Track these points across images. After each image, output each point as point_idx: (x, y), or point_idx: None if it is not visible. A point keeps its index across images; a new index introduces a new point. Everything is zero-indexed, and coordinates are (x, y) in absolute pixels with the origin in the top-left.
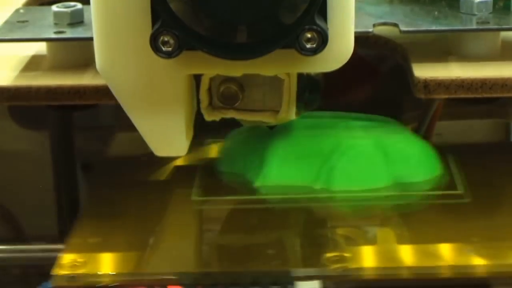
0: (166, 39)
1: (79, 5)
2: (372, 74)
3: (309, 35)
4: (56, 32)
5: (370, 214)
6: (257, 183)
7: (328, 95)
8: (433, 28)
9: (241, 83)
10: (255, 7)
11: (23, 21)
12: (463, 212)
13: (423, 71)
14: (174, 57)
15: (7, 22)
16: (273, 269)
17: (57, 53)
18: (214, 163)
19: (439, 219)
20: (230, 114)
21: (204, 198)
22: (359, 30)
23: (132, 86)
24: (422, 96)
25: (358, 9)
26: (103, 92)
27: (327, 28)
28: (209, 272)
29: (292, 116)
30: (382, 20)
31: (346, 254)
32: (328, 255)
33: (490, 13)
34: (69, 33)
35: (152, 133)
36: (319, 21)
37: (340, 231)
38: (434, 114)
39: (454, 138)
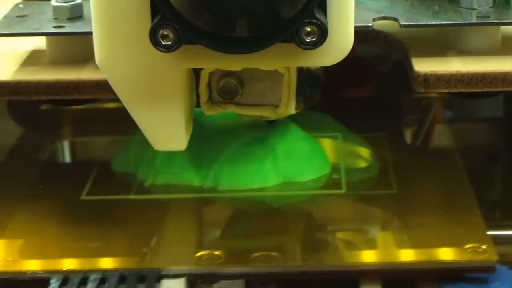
0: (165, 33)
1: (78, 0)
2: (372, 74)
3: (308, 29)
4: (55, 27)
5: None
6: (148, 182)
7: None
8: (433, 22)
9: (240, 77)
10: (254, 0)
11: (22, 16)
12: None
13: (423, 66)
14: (174, 51)
15: (6, 17)
16: (141, 267)
17: (57, 47)
18: (110, 161)
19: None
20: (229, 109)
21: (94, 198)
22: (358, 24)
23: (131, 80)
24: (422, 90)
25: (357, 3)
26: (103, 86)
27: (327, 22)
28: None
29: (292, 110)
30: (382, 15)
31: (216, 253)
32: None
33: (490, 7)
34: (69, 28)
35: (151, 127)
36: (318, 15)
37: (216, 230)
38: (433, 118)
39: None
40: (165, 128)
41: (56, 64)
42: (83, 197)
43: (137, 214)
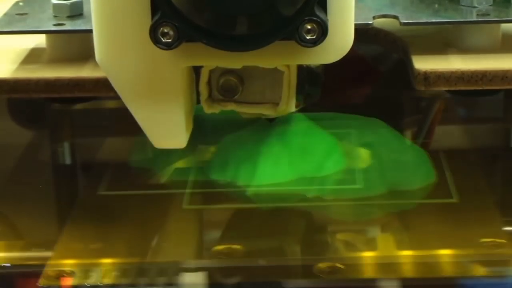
0: (165, 30)
1: None
2: (372, 74)
3: (309, 27)
4: (55, 25)
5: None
6: (250, 191)
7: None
8: (433, 20)
9: (240, 75)
10: None
11: (22, 14)
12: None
13: (423, 63)
14: (174, 48)
15: (6, 15)
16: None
17: (57, 45)
18: (206, 169)
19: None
20: (229, 107)
21: (196, 207)
22: (359, 22)
23: (131, 78)
24: (422, 88)
25: (358, 1)
26: (103, 84)
27: (327, 20)
28: None
29: (292, 108)
30: (382, 13)
31: (234, 246)
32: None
33: (490, 5)
34: (69, 26)
35: (151, 125)
36: (319, 13)
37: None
38: (433, 118)
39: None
40: (165, 126)
41: (56, 62)
42: (100, 192)
43: (152, 209)
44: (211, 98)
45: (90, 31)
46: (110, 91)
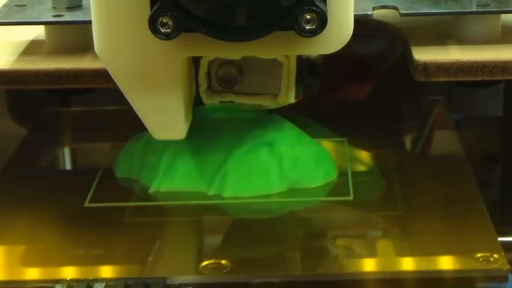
0: (164, 20)
1: None
2: (371, 73)
3: (308, 17)
4: (54, 16)
5: (259, 220)
6: (152, 189)
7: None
8: (433, 11)
9: (240, 66)
10: None
11: (21, 5)
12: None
13: (422, 54)
14: (173, 38)
15: (5, 6)
16: (149, 276)
17: (56, 37)
18: (113, 167)
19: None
20: (229, 98)
21: (97, 205)
22: (358, 13)
23: (130, 69)
24: (422, 79)
25: None
26: (102, 75)
27: (327, 10)
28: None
29: (292, 99)
30: (382, 4)
31: (223, 262)
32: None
33: None
34: (68, 17)
35: (150, 116)
36: (318, 3)
37: (224, 239)
38: (433, 124)
39: None
40: (164, 117)
41: (55, 54)
42: (87, 204)
43: (140, 221)
44: (210, 89)
45: (89, 22)
46: (109, 82)
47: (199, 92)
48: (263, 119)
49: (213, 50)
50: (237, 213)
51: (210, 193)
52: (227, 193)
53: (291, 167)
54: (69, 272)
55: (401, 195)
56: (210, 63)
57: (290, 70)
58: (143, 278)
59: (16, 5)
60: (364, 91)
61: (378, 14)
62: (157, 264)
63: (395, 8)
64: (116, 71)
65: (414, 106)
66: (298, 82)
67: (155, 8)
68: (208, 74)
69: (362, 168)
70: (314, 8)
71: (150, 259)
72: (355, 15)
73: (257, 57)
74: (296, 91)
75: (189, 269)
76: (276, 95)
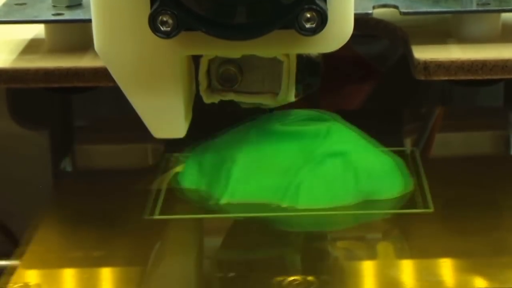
0: (164, 19)
1: None
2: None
3: (308, 15)
4: (54, 14)
5: (337, 233)
6: (223, 201)
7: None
8: (433, 10)
9: (240, 65)
10: None
11: (21, 4)
12: (430, 230)
13: (423, 53)
14: (173, 37)
15: (5, 5)
16: None
17: (56, 35)
18: (178, 179)
19: (406, 237)
20: (229, 97)
21: (166, 217)
22: (358, 11)
23: (130, 67)
24: (422, 77)
25: None
26: (102, 74)
27: (327, 8)
28: None
29: (292, 98)
30: (382, 2)
31: (309, 278)
32: (290, 279)
33: None
34: (68, 15)
35: (150, 114)
36: (318, 1)
37: (305, 252)
38: (433, 126)
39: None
40: (164, 115)
41: (55, 52)
42: (155, 216)
43: (213, 235)
44: (210, 87)
45: (89, 20)
46: (109, 81)
47: (199, 91)
48: (334, 126)
49: (213, 49)
50: (312, 225)
51: (284, 204)
52: (301, 204)
53: (365, 178)
54: None
55: (481, 205)
56: (210, 61)
57: (290, 69)
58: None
59: (16, 4)
60: (364, 92)
61: (378, 13)
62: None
63: (395, 7)
64: (116, 70)
65: (413, 110)
66: (298, 81)
67: (155, 6)
68: (208, 72)
69: (438, 178)
70: (314, 6)
71: (230, 274)
72: (355, 14)
73: (257, 56)
74: (296, 89)
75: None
76: (276, 94)
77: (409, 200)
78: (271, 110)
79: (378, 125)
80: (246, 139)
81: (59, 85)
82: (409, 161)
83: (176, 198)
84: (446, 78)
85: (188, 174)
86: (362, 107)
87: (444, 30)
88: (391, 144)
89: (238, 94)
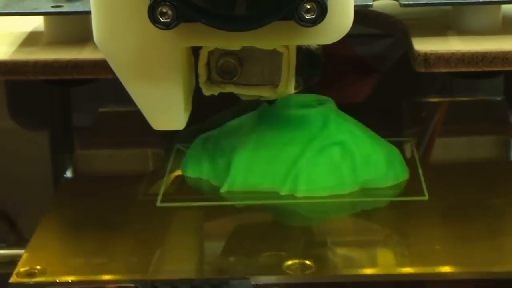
0: (164, 10)
1: None
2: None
3: (308, 6)
4: (54, 6)
5: (334, 220)
6: (224, 189)
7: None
8: (434, 1)
9: (240, 57)
10: None
11: None
12: (426, 217)
13: (423, 45)
14: (172, 28)
15: None
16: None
17: (55, 28)
18: (181, 168)
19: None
20: (228, 89)
21: (170, 205)
22: (358, 3)
23: (130, 58)
24: (422, 69)
25: None
26: (101, 66)
27: None
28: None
29: (291, 90)
30: None
31: (307, 262)
32: (288, 263)
33: None
34: (67, 7)
35: (150, 106)
36: None
37: (304, 238)
38: (434, 129)
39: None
40: (164, 107)
41: (54, 44)
42: (158, 204)
43: (211, 221)
44: (210, 80)
45: (89, 12)
46: (108, 73)
47: (199, 83)
48: (331, 113)
49: (213, 40)
50: (311, 213)
51: (283, 193)
52: (300, 193)
53: (363, 166)
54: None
55: (477, 196)
56: (210, 53)
57: (290, 61)
58: (226, 278)
59: None
60: (364, 92)
61: (379, 5)
62: (239, 264)
63: None
64: (115, 62)
65: (414, 112)
66: (298, 73)
67: None
68: (208, 65)
69: (433, 168)
70: None
71: (231, 259)
72: (355, 6)
73: (257, 48)
74: (296, 82)
75: (272, 270)
76: (276, 86)
77: (404, 188)
78: (271, 102)
79: (379, 119)
80: (245, 129)
81: (58, 77)
82: (405, 150)
83: (177, 187)
84: (446, 70)
85: (190, 164)
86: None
87: (444, 23)
88: (390, 135)
89: (238, 86)
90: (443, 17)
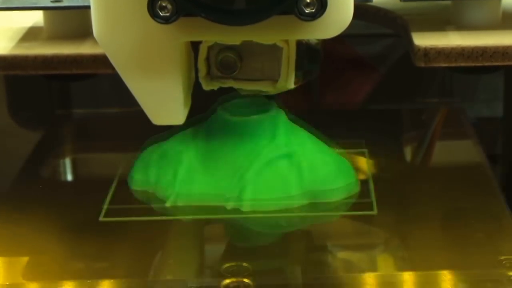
0: (163, 4)
1: None
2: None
3: (308, 0)
4: (53, 1)
5: (278, 229)
6: (169, 203)
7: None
8: None
9: (239, 52)
10: None
11: None
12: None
13: (423, 40)
14: (172, 22)
15: None
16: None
17: (55, 22)
18: (128, 179)
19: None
20: (228, 84)
21: (113, 219)
22: None
23: (129, 53)
24: (422, 64)
25: None
26: (101, 60)
27: None
28: None
29: (291, 85)
30: None
31: (244, 264)
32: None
33: None
34: (66, 2)
35: (149, 101)
36: None
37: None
38: (433, 134)
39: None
40: (164, 102)
41: (54, 39)
42: (101, 218)
43: (158, 236)
44: (209, 74)
45: (88, 7)
46: (108, 67)
47: (199, 78)
48: (281, 123)
49: (213, 35)
50: (255, 227)
51: (229, 207)
52: (246, 207)
53: (311, 180)
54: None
55: (428, 208)
56: (209, 48)
57: (289, 56)
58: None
59: None
60: (363, 92)
61: (379, 0)
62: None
63: None
64: (115, 56)
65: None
66: (297, 68)
67: None
68: (208, 59)
69: (384, 180)
70: None
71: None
72: (355, 1)
73: (256, 43)
74: (296, 76)
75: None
76: (275, 81)
77: (354, 203)
78: (270, 97)
79: (378, 129)
80: (192, 139)
81: (57, 72)
82: (358, 162)
83: (123, 200)
84: (446, 65)
85: (136, 175)
86: (362, 106)
87: (444, 18)
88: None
89: (238, 81)
90: (443, 12)
